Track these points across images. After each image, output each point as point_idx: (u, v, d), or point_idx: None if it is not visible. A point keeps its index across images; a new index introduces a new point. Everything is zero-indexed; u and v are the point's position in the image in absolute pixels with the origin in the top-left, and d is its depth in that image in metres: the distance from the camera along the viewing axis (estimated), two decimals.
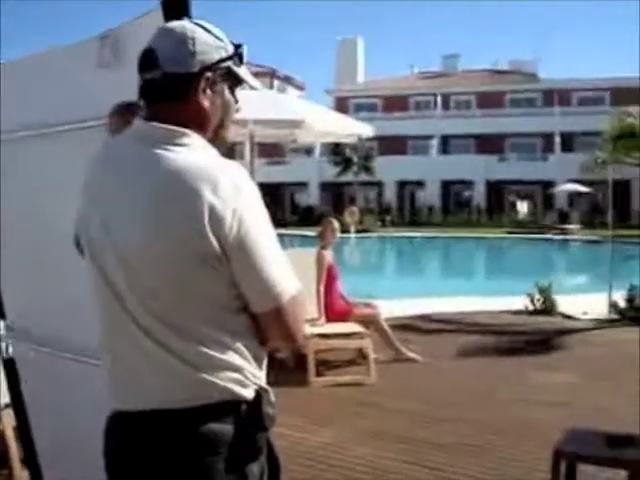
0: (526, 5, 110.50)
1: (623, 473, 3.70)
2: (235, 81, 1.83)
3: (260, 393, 1.77)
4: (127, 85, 2.09)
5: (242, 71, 1.83)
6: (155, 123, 1.74)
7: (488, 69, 57.19)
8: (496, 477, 4.45)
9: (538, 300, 10.80)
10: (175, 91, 1.75)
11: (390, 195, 50.57)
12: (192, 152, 1.71)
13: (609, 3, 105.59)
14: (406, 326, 9.20)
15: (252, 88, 1.88)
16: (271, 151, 45.76)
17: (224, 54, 1.78)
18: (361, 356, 6.97)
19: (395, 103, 54.31)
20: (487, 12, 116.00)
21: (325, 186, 50.83)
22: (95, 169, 1.84)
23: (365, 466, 4.61)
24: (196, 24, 1.78)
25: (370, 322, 7.31)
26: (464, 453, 4.86)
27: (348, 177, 46.58)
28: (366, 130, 8.50)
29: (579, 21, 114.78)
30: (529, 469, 4.49)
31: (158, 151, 1.70)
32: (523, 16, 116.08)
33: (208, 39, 1.76)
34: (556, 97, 51.20)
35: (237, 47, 1.81)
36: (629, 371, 7.35)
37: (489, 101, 52.78)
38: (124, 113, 2.37)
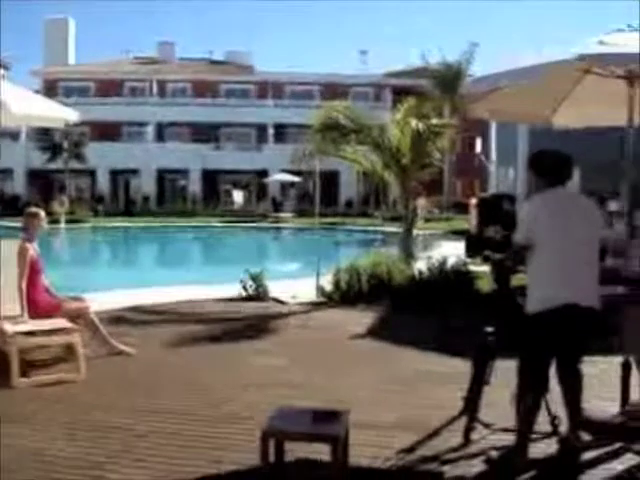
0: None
1: (326, 447, 3.90)
2: None
3: None
4: None
5: None
6: None
7: (204, 58, 57.65)
8: (205, 462, 4.48)
9: (250, 287, 11.08)
10: None
11: (103, 184, 49.12)
12: None
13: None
14: (119, 319, 8.97)
15: None
16: None
17: None
18: (70, 352, 6.65)
19: (109, 87, 52.83)
20: (201, 4, 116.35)
21: (33, 174, 48.08)
22: None
23: (71, 464, 4.41)
24: None
25: (79, 316, 7.01)
26: (170, 442, 4.83)
27: (58, 164, 44.40)
28: (72, 115, 8.06)
29: (294, 18, 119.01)
30: (240, 451, 4.56)
31: None
32: (238, 9, 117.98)
33: None
34: (270, 89, 52.98)
35: None
36: (335, 350, 7.82)
37: (205, 90, 53.26)
38: None
